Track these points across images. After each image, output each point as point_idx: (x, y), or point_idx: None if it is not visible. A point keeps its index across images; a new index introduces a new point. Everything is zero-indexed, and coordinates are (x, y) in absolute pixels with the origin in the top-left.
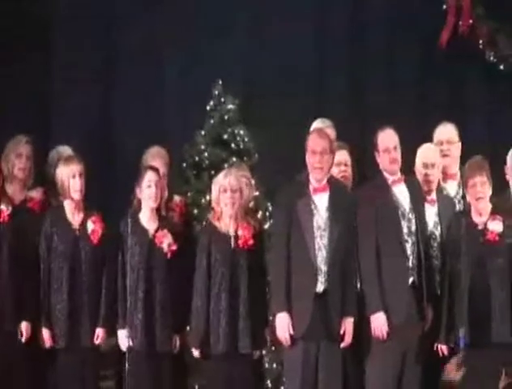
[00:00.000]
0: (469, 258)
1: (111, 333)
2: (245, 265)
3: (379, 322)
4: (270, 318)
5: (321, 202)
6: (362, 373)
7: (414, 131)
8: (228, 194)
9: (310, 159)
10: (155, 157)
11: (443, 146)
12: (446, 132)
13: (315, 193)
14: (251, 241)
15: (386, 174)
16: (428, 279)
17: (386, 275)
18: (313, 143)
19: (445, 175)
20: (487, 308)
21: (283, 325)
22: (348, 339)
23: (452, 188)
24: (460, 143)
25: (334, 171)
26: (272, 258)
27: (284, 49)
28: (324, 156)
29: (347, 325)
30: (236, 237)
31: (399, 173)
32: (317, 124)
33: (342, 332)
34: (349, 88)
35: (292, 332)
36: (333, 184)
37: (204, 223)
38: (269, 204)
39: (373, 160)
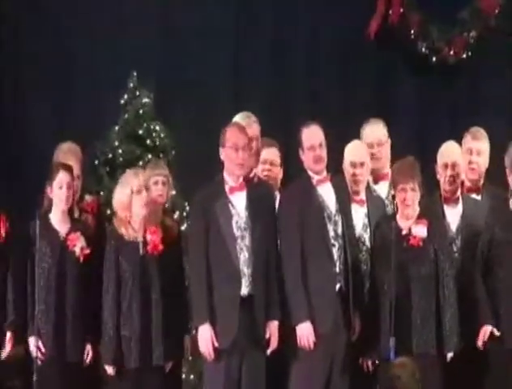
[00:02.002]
0: (392, 263)
1: (19, 341)
2: (156, 272)
3: (305, 332)
4: (193, 331)
5: (239, 201)
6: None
7: (341, 127)
8: (142, 195)
9: (230, 154)
10: (68, 154)
11: (373, 149)
12: (375, 133)
13: (232, 192)
14: (160, 247)
15: (310, 173)
16: (356, 285)
17: (311, 281)
18: (234, 137)
19: (376, 176)
20: (408, 318)
21: (205, 338)
22: (274, 343)
23: (383, 189)
24: (389, 142)
25: (258, 169)
26: (190, 264)
27: (202, 40)
28: (246, 152)
29: (273, 329)
30: (145, 243)
31: (325, 172)
32: (239, 118)
33: (267, 337)
34: (271, 81)
35: (216, 344)
36: (250, 182)
37: (109, 229)
38: (186, 204)
39: (298, 158)
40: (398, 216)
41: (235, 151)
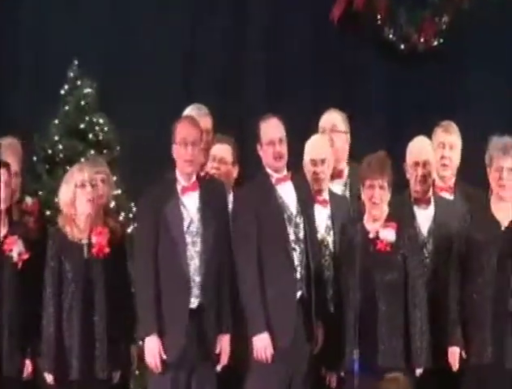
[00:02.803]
0: (357, 268)
1: None
2: (101, 277)
3: (263, 344)
4: (140, 342)
5: (190, 202)
6: None
7: (303, 121)
8: (87, 190)
9: (179, 150)
10: (7, 150)
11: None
12: (330, 119)
13: (184, 193)
14: (107, 250)
15: (269, 171)
16: (319, 293)
17: (270, 289)
18: (183, 132)
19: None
20: (373, 328)
21: (152, 350)
22: (225, 359)
23: (338, 188)
24: (348, 134)
25: (207, 166)
26: (137, 270)
27: (150, 27)
28: (196, 148)
29: (224, 343)
30: (90, 245)
31: (285, 170)
32: (190, 111)
33: (218, 351)
34: (226, 71)
35: (164, 357)
36: (204, 181)
37: (51, 230)
38: (132, 204)
39: (255, 155)
40: (365, 218)
41: (184, 146)
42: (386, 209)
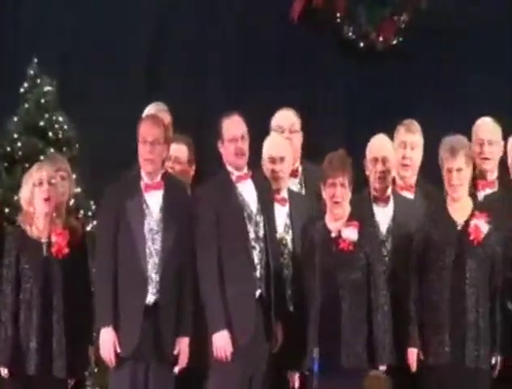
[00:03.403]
0: (320, 268)
1: None
2: (60, 276)
3: (222, 342)
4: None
5: (153, 201)
6: None
7: (262, 119)
8: (44, 188)
9: (140, 149)
10: None
11: (284, 134)
12: (287, 118)
13: (147, 190)
14: (66, 250)
15: (230, 168)
16: (278, 292)
17: (229, 287)
18: (144, 131)
19: None
20: (337, 328)
21: (107, 342)
22: (183, 361)
23: (293, 187)
24: (301, 133)
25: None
26: (96, 266)
27: (111, 25)
28: (156, 147)
29: (182, 346)
30: (49, 244)
31: (246, 168)
32: (150, 109)
33: (176, 353)
34: (187, 70)
35: (118, 350)
36: (168, 180)
37: (10, 228)
38: (92, 203)
39: (215, 154)
40: (326, 217)
41: (144, 145)
42: (347, 208)
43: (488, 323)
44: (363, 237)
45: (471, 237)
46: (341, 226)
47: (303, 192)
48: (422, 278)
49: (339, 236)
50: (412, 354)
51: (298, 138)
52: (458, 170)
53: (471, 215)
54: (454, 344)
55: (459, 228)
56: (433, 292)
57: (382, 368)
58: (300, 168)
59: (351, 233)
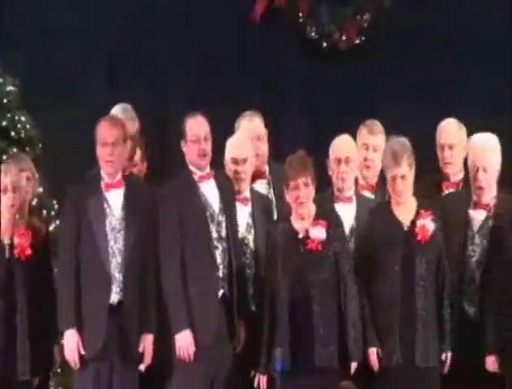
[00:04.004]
0: (288, 269)
1: None
2: (23, 277)
3: (185, 342)
4: (62, 340)
5: (114, 199)
6: None
7: (225, 119)
8: (8, 195)
9: (100, 151)
10: None
11: (252, 144)
12: (254, 127)
13: (108, 189)
14: (28, 252)
15: (192, 168)
16: (241, 291)
17: (192, 287)
18: (104, 132)
19: (254, 174)
20: (309, 328)
21: (71, 344)
22: (148, 359)
23: (262, 188)
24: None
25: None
26: (59, 266)
27: (74, 24)
28: (117, 148)
29: (147, 343)
30: (12, 246)
31: (208, 168)
32: (117, 112)
33: (141, 350)
34: (150, 71)
35: (82, 352)
36: (129, 179)
37: None
38: (55, 202)
39: (178, 154)
40: (292, 218)
41: (104, 147)
42: (313, 207)
43: (436, 321)
44: (330, 236)
45: (419, 237)
46: (308, 226)
47: (271, 193)
48: (372, 279)
49: (307, 236)
50: (373, 354)
51: (265, 144)
52: (403, 177)
53: (417, 215)
54: (405, 345)
55: (406, 229)
56: (383, 294)
57: (354, 364)
58: (267, 170)
59: (319, 233)
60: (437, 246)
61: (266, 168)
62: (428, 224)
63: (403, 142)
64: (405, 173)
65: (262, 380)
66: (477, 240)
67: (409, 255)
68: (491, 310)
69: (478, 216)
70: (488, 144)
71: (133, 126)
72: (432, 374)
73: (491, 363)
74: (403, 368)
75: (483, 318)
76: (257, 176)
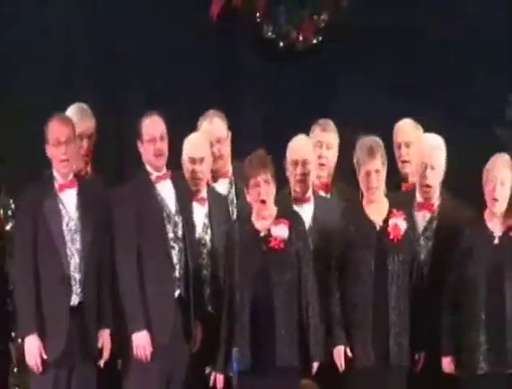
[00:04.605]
0: (250, 268)
1: None
2: None
3: (141, 342)
4: (19, 340)
5: (69, 200)
6: None
7: (184, 119)
8: None
9: (53, 151)
10: None
11: (213, 147)
12: (214, 129)
13: (62, 190)
14: None
15: (149, 169)
16: (197, 292)
17: (149, 287)
18: (56, 132)
19: (216, 174)
20: (270, 327)
21: (32, 350)
22: (106, 354)
23: (223, 187)
24: (230, 137)
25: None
26: (16, 269)
27: (30, 22)
28: (70, 146)
29: (105, 338)
30: None
31: (165, 168)
32: (74, 112)
33: (100, 346)
34: (107, 70)
35: (44, 357)
36: (82, 179)
37: None
38: (11, 202)
39: (136, 155)
40: (253, 217)
41: (58, 146)
42: (273, 206)
43: (409, 320)
44: (293, 235)
45: (391, 237)
46: (270, 224)
47: (233, 192)
48: (344, 279)
49: (269, 234)
50: (339, 353)
51: (227, 146)
52: (377, 171)
53: (389, 214)
54: (379, 344)
55: (378, 228)
56: (356, 293)
57: (316, 364)
58: (230, 170)
59: (281, 231)
60: (409, 245)
61: (230, 169)
62: (400, 223)
63: (377, 139)
64: (378, 167)
65: (218, 379)
66: (422, 242)
67: (382, 255)
68: (446, 311)
69: (422, 218)
70: (435, 143)
71: (90, 126)
72: (403, 373)
73: (447, 364)
74: (376, 367)
75: (434, 318)
76: (219, 175)
